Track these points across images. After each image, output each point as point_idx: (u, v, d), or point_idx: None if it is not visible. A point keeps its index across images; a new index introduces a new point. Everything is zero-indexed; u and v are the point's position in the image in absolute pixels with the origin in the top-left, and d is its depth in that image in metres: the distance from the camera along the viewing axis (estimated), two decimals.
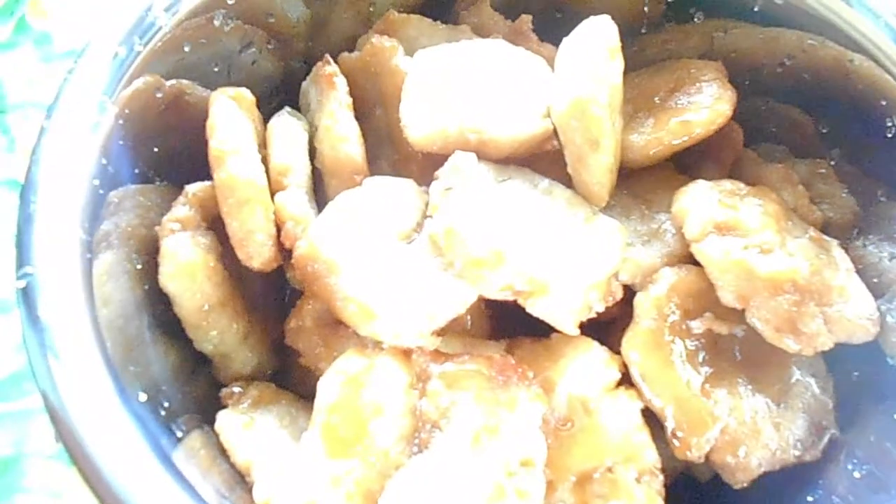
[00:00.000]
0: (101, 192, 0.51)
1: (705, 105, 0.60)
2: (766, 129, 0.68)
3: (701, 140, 0.60)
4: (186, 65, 0.60)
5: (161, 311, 0.54)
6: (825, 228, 0.62)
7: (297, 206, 0.56)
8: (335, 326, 0.57)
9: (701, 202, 0.57)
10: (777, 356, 0.54)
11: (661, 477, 0.50)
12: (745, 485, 0.52)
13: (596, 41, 0.56)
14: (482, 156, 0.57)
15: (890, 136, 0.59)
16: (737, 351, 0.56)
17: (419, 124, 0.56)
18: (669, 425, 0.51)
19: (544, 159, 0.59)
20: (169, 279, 0.52)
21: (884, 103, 0.59)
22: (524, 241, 0.52)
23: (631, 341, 0.53)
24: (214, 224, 0.56)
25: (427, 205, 0.56)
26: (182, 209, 0.55)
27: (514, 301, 0.51)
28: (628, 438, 0.50)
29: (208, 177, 0.55)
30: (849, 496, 0.52)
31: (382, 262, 0.52)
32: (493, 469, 0.45)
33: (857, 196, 0.64)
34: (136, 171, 0.57)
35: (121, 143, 0.53)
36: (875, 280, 0.57)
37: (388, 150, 0.65)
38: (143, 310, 0.53)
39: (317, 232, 0.53)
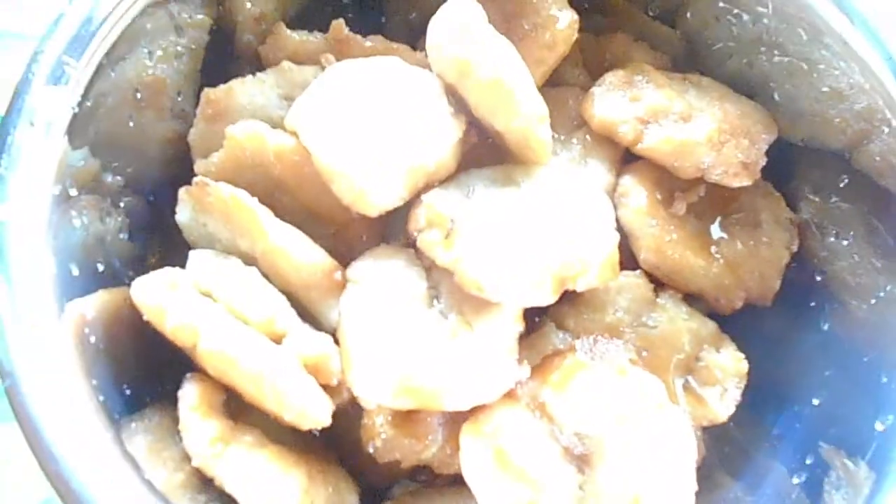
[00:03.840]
0: None
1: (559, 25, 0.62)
2: None
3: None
4: None
5: None
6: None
7: (315, 345, 0.51)
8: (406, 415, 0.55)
9: (617, 108, 0.61)
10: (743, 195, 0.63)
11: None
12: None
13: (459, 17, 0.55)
14: (432, 185, 0.55)
15: None
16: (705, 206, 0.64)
17: (377, 199, 0.52)
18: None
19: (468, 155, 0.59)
20: None
21: None
22: (540, 241, 0.52)
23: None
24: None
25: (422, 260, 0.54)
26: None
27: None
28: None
29: None
30: None
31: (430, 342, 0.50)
32: None
33: None
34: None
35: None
36: None
37: (317, 228, 0.59)
38: None
39: (361, 362, 0.49)
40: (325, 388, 0.51)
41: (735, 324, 0.60)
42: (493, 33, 0.54)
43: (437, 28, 0.55)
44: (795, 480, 0.54)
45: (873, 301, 0.57)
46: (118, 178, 0.60)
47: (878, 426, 0.49)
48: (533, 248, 0.51)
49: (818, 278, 0.63)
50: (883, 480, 0.47)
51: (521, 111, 0.53)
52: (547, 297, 0.51)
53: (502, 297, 0.50)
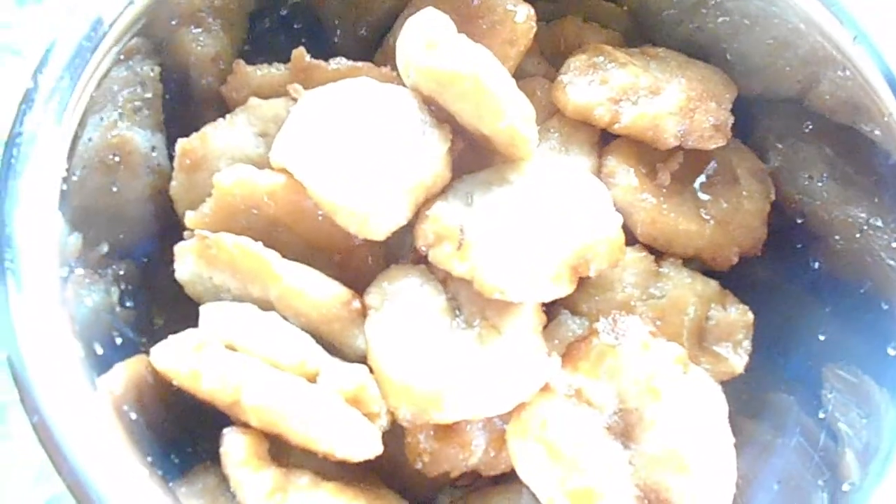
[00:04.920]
0: None
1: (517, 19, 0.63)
2: None
3: None
4: None
5: None
6: None
7: (351, 377, 0.51)
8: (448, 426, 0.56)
9: (589, 93, 0.63)
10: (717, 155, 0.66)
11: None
12: None
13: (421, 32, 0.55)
14: (432, 198, 0.56)
15: None
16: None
17: (382, 223, 0.52)
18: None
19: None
20: None
21: None
22: (549, 235, 0.54)
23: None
24: None
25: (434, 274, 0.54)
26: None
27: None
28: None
29: None
30: None
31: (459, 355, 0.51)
32: None
33: None
34: None
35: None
36: None
37: (321, 259, 0.59)
38: None
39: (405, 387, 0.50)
40: (367, 416, 0.51)
41: (732, 277, 0.63)
42: (466, 40, 0.54)
43: (409, 42, 0.56)
44: (821, 415, 0.57)
45: (857, 234, 0.61)
46: (106, 246, 0.59)
47: (891, 352, 0.52)
48: (544, 243, 0.53)
49: (799, 221, 0.66)
50: None
51: (507, 113, 0.54)
52: (566, 289, 0.53)
53: (524, 296, 0.52)
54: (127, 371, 0.50)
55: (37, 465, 0.54)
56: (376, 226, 0.53)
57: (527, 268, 0.51)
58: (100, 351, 0.47)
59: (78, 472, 0.40)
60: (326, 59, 0.64)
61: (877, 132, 0.59)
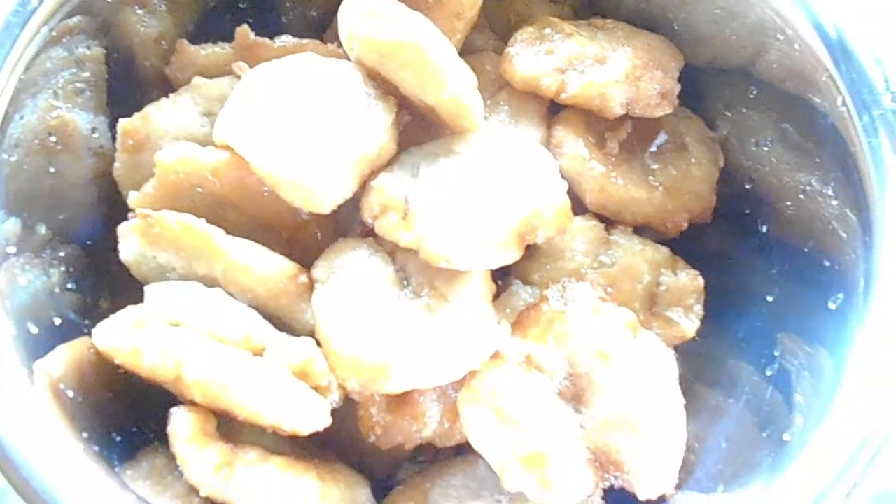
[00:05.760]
0: None
1: None
2: None
3: None
4: None
5: None
6: None
7: (298, 351, 0.51)
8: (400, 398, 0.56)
9: (536, 63, 0.63)
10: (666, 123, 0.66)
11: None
12: None
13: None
14: (377, 171, 0.56)
15: None
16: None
17: (327, 196, 0.52)
18: None
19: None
20: None
21: None
22: (494, 202, 0.54)
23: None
24: None
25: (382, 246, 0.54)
26: None
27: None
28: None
29: None
30: None
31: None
32: None
33: None
34: None
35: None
36: None
37: (269, 236, 0.59)
38: None
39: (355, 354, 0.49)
40: (317, 389, 0.51)
41: (683, 244, 0.63)
42: (407, 10, 0.54)
43: (349, 14, 0.55)
44: (769, 372, 0.58)
45: (801, 196, 0.61)
46: (47, 230, 0.57)
47: (831, 305, 0.53)
48: (489, 210, 0.53)
49: (748, 186, 0.67)
50: (841, 364, 0.51)
51: (449, 82, 0.53)
52: (513, 255, 0.53)
53: (471, 264, 0.51)
54: (69, 353, 0.49)
55: None
56: (321, 199, 0.53)
57: (472, 235, 0.51)
58: (34, 330, 0.46)
59: (9, 453, 0.39)
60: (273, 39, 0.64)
61: (818, 98, 0.60)
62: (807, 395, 0.51)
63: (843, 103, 0.55)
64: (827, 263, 0.56)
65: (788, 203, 0.63)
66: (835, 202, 0.58)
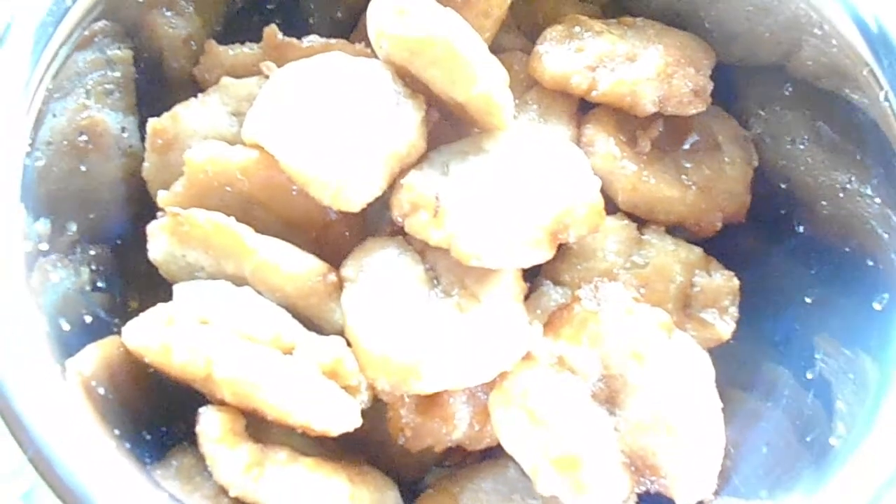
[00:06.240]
0: None
1: None
2: None
3: None
4: None
5: None
6: None
7: (328, 350, 0.50)
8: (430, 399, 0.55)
9: (566, 61, 0.62)
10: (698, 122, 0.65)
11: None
12: None
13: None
14: (407, 169, 0.55)
15: None
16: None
17: (357, 194, 0.52)
18: None
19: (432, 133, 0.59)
20: None
21: None
22: (526, 200, 0.53)
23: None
24: None
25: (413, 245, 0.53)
26: None
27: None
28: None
29: None
30: None
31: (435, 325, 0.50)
32: None
33: None
34: None
35: None
36: None
37: (297, 235, 0.58)
38: None
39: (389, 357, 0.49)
40: (346, 389, 0.50)
41: (717, 245, 0.62)
42: (436, 6, 0.54)
43: (378, 11, 0.55)
44: (809, 376, 0.56)
45: (840, 196, 0.60)
46: (77, 229, 0.58)
47: (876, 306, 0.51)
48: (521, 208, 0.52)
49: (783, 186, 0.65)
50: (887, 367, 0.49)
51: (479, 78, 0.53)
52: (545, 254, 0.52)
53: (502, 262, 0.51)
54: (100, 351, 0.49)
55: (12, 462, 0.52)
56: (351, 197, 0.52)
57: (504, 233, 0.50)
58: (66, 327, 0.46)
59: (42, 448, 0.39)
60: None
61: (857, 94, 0.59)
62: (848, 401, 0.49)
63: (886, 98, 0.53)
64: (870, 263, 0.54)
65: (825, 203, 0.62)
66: (877, 201, 0.57)
